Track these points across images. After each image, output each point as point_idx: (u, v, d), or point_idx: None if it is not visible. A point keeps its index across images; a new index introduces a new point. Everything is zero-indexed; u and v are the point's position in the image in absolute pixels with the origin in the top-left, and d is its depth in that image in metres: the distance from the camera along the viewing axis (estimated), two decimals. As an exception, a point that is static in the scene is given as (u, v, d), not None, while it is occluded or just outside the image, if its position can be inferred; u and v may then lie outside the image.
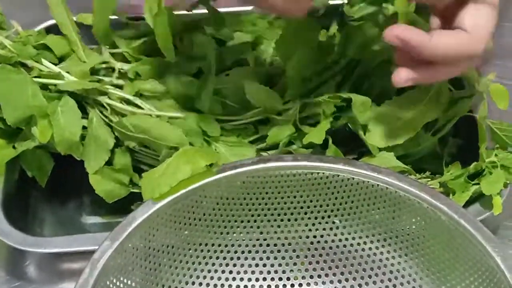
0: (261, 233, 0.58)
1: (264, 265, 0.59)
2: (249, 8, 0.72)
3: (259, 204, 0.57)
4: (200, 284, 0.57)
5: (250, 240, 0.58)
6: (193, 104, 0.64)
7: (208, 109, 0.63)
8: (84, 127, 0.61)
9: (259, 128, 0.65)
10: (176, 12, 0.61)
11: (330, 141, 0.62)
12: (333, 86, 0.65)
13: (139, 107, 0.62)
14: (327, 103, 0.62)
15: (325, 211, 0.58)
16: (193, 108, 0.64)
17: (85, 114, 0.62)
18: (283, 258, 0.59)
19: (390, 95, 0.69)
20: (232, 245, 0.58)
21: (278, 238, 0.59)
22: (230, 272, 0.58)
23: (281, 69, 0.66)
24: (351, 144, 0.66)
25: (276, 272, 0.59)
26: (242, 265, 0.58)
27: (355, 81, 0.65)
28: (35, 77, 0.59)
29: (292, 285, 0.59)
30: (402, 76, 0.53)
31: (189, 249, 0.56)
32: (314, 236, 0.59)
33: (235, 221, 0.57)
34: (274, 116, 0.64)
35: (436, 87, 0.64)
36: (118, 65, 0.64)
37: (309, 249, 0.59)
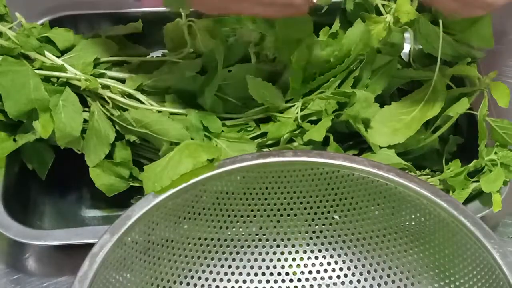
0: (261, 228, 0.58)
1: (263, 260, 0.59)
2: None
3: (259, 199, 0.57)
4: (199, 278, 0.57)
5: (249, 235, 0.58)
6: (195, 100, 0.64)
7: (210, 106, 0.63)
8: (85, 120, 0.61)
9: (261, 125, 0.65)
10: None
11: (332, 138, 0.62)
12: (335, 85, 0.65)
13: (141, 101, 0.62)
14: (329, 100, 0.62)
15: (325, 207, 0.58)
16: (194, 104, 0.64)
17: (86, 107, 0.62)
18: (282, 253, 0.59)
19: (391, 95, 0.69)
20: (232, 240, 0.58)
21: (278, 233, 0.59)
22: (229, 266, 0.58)
23: (283, 66, 0.66)
24: (352, 141, 0.66)
25: (275, 267, 0.59)
26: (241, 260, 0.58)
27: (356, 80, 0.65)
28: (38, 69, 0.59)
29: (291, 280, 0.59)
30: None
31: (189, 243, 0.56)
32: (314, 232, 0.59)
33: (235, 215, 0.57)
34: (276, 114, 0.64)
35: (434, 86, 0.64)
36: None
37: (308, 245, 0.59)
